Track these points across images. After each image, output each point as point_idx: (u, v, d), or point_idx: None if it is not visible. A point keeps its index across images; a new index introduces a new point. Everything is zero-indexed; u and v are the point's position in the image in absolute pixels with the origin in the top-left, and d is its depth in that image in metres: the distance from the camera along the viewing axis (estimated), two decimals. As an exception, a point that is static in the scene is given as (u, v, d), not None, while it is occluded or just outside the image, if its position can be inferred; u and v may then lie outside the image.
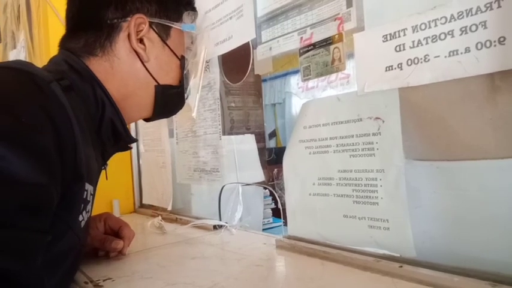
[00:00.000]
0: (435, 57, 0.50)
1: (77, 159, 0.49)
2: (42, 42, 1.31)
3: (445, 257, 0.52)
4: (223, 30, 0.87)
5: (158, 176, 1.19)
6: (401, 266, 0.54)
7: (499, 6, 0.44)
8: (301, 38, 0.70)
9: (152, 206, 1.24)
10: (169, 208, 1.11)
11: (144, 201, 1.30)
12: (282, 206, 0.81)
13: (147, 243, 0.86)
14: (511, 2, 0.43)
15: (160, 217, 1.04)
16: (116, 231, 0.78)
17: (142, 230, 1.01)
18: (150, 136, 1.22)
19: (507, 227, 0.48)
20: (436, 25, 0.49)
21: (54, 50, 0.64)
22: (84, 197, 0.54)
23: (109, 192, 1.21)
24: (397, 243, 0.56)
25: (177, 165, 1.10)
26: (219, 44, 0.89)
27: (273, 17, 0.77)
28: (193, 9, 0.73)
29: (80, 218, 0.54)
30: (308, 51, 0.68)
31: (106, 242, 0.73)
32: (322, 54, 0.66)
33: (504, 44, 0.44)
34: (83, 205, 0.54)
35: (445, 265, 0.51)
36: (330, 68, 0.64)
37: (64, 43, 0.64)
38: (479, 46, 0.46)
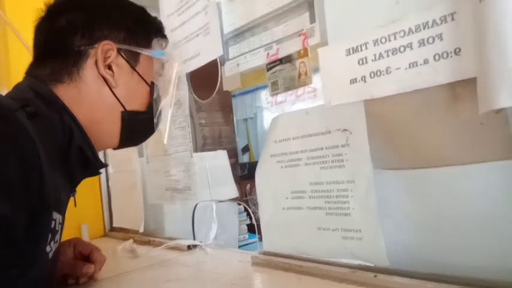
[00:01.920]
0: (396, 69, 0.51)
1: (42, 189, 0.47)
2: (2, 68, 1.26)
3: (418, 264, 0.53)
4: (191, 47, 0.87)
5: (129, 198, 1.15)
6: (375, 276, 0.54)
7: (453, 19, 0.47)
8: (268, 53, 0.71)
9: (123, 228, 1.19)
10: (141, 230, 1.08)
11: (114, 224, 1.26)
12: (256, 221, 0.80)
13: (118, 268, 0.82)
14: (464, 15, 0.45)
15: (132, 240, 1.00)
16: (86, 256, 0.75)
17: (114, 254, 0.97)
18: (119, 156, 1.19)
19: (475, 231, 0.50)
20: (395, 38, 0.51)
21: (15, 76, 0.63)
22: (52, 226, 0.52)
23: (77, 216, 1.16)
24: (371, 253, 0.57)
25: (148, 186, 1.08)
26: (187, 61, 0.89)
27: (240, 34, 0.78)
28: (163, 36, 0.73)
29: (48, 248, 0.52)
30: (275, 66, 0.69)
31: (76, 267, 0.70)
32: (288, 69, 0.66)
33: (460, 54, 0.46)
34: (50, 235, 0.52)
35: (418, 272, 0.52)
36: (297, 82, 0.65)
37: (31, 70, 0.63)
38: (436, 57, 0.48)
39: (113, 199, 1.26)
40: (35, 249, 0.49)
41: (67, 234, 0.73)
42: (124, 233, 1.16)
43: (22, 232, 0.44)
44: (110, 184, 1.27)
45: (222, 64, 0.83)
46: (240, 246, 1.26)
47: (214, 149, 1.58)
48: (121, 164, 1.18)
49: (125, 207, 1.19)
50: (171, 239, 0.97)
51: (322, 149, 0.62)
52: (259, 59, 0.73)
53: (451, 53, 0.47)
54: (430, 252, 0.54)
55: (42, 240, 0.50)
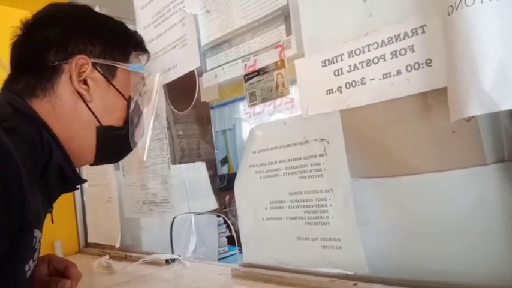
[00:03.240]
0: (371, 79, 0.53)
1: (25, 209, 0.47)
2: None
3: (397, 271, 0.54)
4: (168, 59, 0.87)
5: (104, 212, 1.12)
6: (355, 284, 0.54)
7: (424, 32, 0.48)
8: (245, 64, 0.71)
9: (99, 244, 1.16)
10: (118, 245, 1.05)
11: (89, 240, 1.22)
12: (236, 233, 0.80)
13: (93, 286, 0.80)
14: (434, 28, 0.47)
15: (107, 256, 0.97)
16: (61, 272, 0.72)
17: (89, 271, 0.94)
18: (94, 170, 1.15)
19: (448, 236, 0.51)
20: (369, 50, 0.53)
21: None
22: (33, 244, 0.51)
23: (50, 232, 1.12)
24: (350, 261, 0.57)
25: (124, 199, 1.05)
26: (164, 73, 0.88)
27: (217, 45, 0.78)
28: (144, 50, 0.72)
29: (27, 267, 0.51)
30: (253, 77, 0.70)
31: (51, 283, 0.68)
32: (266, 80, 0.67)
33: (431, 65, 0.48)
34: (30, 253, 0.51)
35: (397, 279, 0.52)
36: (274, 93, 0.66)
37: (6, 85, 0.62)
38: (409, 68, 0.50)
39: (88, 214, 1.22)
40: (17, 268, 0.48)
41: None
42: (99, 249, 1.12)
43: (2, 255, 0.43)
44: (84, 199, 1.24)
45: (200, 75, 0.83)
46: (219, 259, 1.24)
47: (193, 161, 1.56)
48: (96, 177, 1.15)
49: (100, 222, 1.15)
50: (148, 253, 0.94)
51: (300, 158, 0.62)
52: (237, 70, 0.73)
53: (422, 64, 0.48)
54: (408, 258, 0.54)
55: (22, 260, 0.49)
